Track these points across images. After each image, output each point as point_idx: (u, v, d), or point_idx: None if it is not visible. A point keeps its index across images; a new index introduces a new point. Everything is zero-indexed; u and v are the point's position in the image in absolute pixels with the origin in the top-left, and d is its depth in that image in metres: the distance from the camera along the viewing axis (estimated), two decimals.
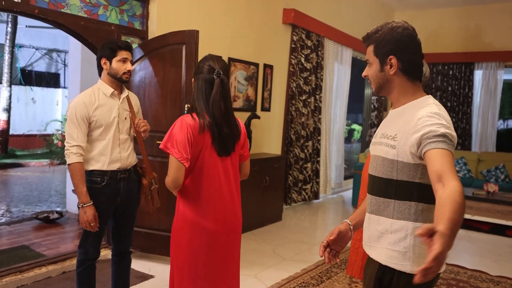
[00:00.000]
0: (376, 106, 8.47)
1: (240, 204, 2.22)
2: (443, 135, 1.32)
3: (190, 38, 3.57)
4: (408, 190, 1.44)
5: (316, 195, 6.72)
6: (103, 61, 2.58)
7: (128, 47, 2.61)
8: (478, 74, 8.29)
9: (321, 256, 1.56)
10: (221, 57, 2.21)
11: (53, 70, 13.23)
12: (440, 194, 1.22)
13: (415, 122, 1.39)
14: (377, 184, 1.52)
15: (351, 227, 1.61)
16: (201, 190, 2.05)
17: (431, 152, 1.32)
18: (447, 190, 1.21)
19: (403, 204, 1.45)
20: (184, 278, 2.09)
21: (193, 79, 2.15)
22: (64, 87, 12.65)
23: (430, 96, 1.51)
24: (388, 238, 1.47)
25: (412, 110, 1.45)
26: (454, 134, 1.35)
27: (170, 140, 1.98)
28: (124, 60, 2.57)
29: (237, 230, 2.20)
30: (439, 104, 1.47)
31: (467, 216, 5.35)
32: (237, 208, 2.19)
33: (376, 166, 1.54)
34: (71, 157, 2.43)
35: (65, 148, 2.45)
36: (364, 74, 1.58)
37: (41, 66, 12.89)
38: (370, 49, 1.52)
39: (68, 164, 2.45)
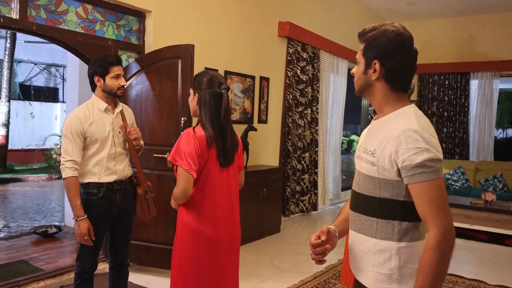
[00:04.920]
0: (373, 116, 8.53)
1: (239, 212, 2.32)
2: (421, 165, 1.27)
3: (185, 52, 3.63)
4: (392, 208, 1.37)
5: (314, 207, 6.74)
6: (96, 78, 2.62)
7: (119, 62, 2.66)
8: (474, 84, 8.37)
9: (313, 243, 1.46)
10: (217, 70, 2.30)
11: (51, 85, 13.32)
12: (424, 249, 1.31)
13: (393, 141, 1.32)
14: (360, 201, 1.46)
15: (337, 234, 1.54)
16: (204, 200, 2.15)
17: (411, 188, 1.31)
18: (426, 246, 1.30)
19: (386, 223, 1.38)
20: (188, 285, 2.16)
21: (193, 93, 2.21)
22: (63, 102, 12.72)
23: (412, 105, 1.42)
24: (372, 260, 1.41)
25: (391, 123, 1.38)
26: (435, 153, 1.28)
27: (178, 153, 2.07)
28: (117, 76, 2.62)
29: (237, 237, 2.30)
30: (421, 114, 1.39)
31: (465, 225, 5.37)
32: (236, 216, 2.29)
33: (359, 183, 1.47)
34: (66, 171, 2.48)
35: (61, 162, 2.52)
36: (352, 71, 1.51)
37: (39, 81, 12.97)
38: (361, 47, 1.46)
39: (64, 178, 2.51)
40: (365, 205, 1.44)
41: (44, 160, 10.41)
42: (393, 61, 1.38)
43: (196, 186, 2.13)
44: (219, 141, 2.14)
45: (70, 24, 3.62)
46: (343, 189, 8.01)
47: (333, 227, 1.55)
